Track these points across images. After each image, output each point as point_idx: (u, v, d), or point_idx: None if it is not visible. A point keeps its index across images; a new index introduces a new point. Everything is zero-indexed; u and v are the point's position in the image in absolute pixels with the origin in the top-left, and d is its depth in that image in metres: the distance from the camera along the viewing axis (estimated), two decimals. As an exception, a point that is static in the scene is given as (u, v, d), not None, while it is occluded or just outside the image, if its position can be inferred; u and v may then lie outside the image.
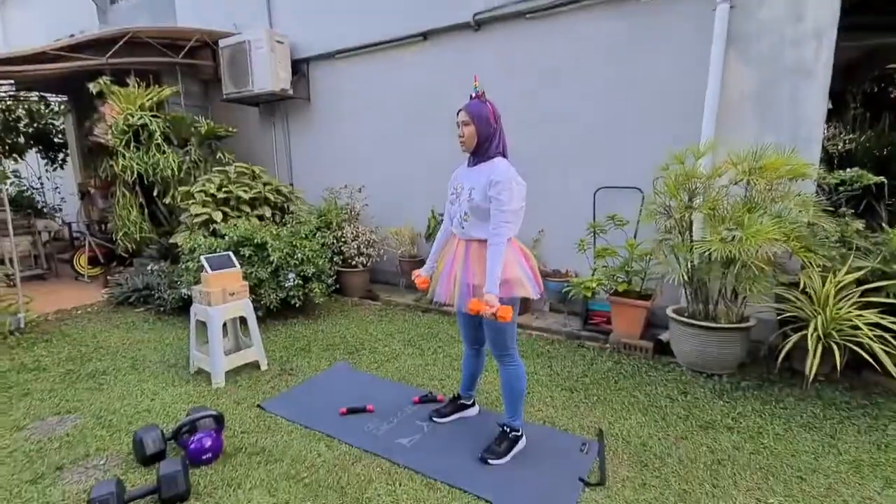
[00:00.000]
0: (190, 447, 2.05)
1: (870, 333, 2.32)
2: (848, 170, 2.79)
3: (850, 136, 4.26)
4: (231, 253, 3.17)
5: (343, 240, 4.85)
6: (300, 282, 4.05)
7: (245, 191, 4.67)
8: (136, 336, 3.79)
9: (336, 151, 5.55)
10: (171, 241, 4.69)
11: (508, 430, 2.16)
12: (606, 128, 3.87)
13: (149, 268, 4.81)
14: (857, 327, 2.41)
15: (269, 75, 5.16)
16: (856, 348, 2.38)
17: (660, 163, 3.15)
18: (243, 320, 3.16)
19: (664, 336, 3.36)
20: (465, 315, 2.21)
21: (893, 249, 2.52)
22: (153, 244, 5.25)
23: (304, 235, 4.27)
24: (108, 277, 5.44)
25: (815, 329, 2.44)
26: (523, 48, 4.16)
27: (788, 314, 2.67)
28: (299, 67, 5.58)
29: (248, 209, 4.67)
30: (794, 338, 2.56)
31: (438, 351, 3.42)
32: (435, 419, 2.45)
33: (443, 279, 2.16)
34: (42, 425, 2.44)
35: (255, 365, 3.12)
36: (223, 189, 4.63)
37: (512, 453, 2.12)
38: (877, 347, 2.33)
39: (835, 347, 2.41)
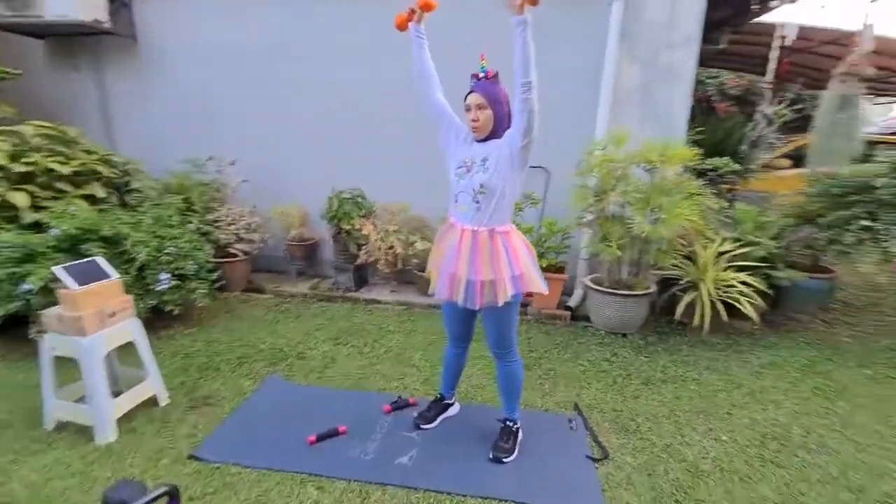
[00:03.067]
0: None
1: (744, 289, 3.01)
2: (717, 158, 3.48)
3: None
4: (99, 258, 2.27)
5: (217, 224, 3.97)
6: (177, 282, 3.19)
7: (61, 162, 3.38)
8: None
9: (184, 113, 4.41)
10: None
11: (511, 423, 2.15)
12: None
13: None
14: (731, 285, 3.09)
15: (71, -3, 3.72)
16: (731, 302, 3.06)
17: (561, 146, 3.41)
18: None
19: (570, 302, 3.77)
20: (459, 310, 2.05)
21: (746, 223, 3.29)
22: None
23: (171, 223, 3.34)
24: None
25: (705, 289, 3.04)
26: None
27: (672, 276, 3.26)
28: (118, -8, 4.17)
29: (69, 188, 3.41)
30: (688, 298, 3.15)
31: (376, 346, 3.15)
32: (423, 426, 2.27)
33: (444, 277, 1.96)
34: None
35: (150, 402, 2.38)
36: (22, 160, 3.26)
37: (517, 446, 2.12)
38: (743, 300, 3.03)
39: (718, 304, 3.05)
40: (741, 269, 3.14)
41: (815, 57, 5.31)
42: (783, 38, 3.95)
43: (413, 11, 1.87)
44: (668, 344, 3.22)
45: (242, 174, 4.23)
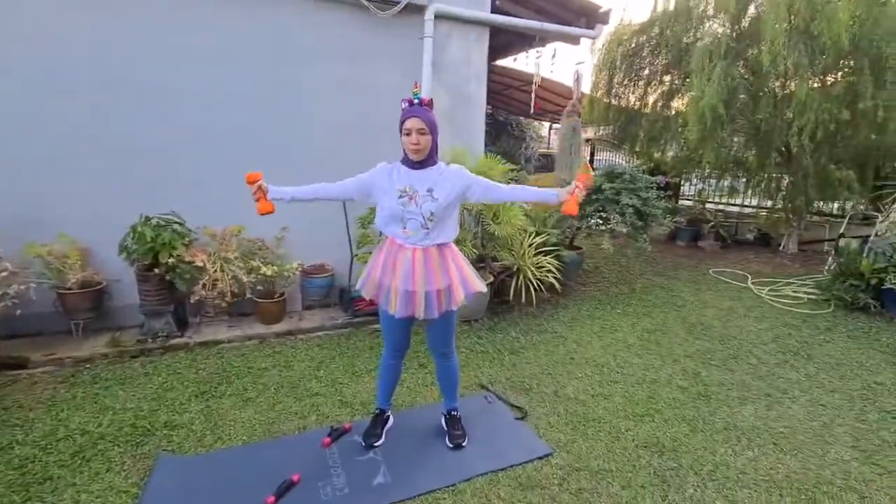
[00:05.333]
0: None
1: (550, 268, 4.05)
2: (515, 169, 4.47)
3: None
4: None
5: (-64, 281, 2.63)
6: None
7: None
8: None
9: None
10: None
11: (456, 412, 2.41)
12: (343, 128, 4.05)
13: None
14: (541, 266, 4.10)
15: None
16: (542, 278, 4.07)
17: (382, 157, 3.78)
18: None
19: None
20: (403, 322, 2.19)
21: (538, 218, 4.40)
22: None
23: None
24: None
25: (529, 272, 3.95)
26: (247, 27, 3.60)
27: (504, 266, 4.10)
28: None
29: None
30: (515, 281, 4.01)
31: (259, 387, 2.81)
32: (375, 444, 2.27)
33: (404, 297, 2.05)
34: None
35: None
36: None
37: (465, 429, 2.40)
38: (551, 277, 4.09)
39: (535, 282, 4.01)
40: (545, 253, 4.20)
41: (551, 99, 7.40)
42: (536, 83, 5.36)
43: (256, 198, 2.08)
44: (508, 321, 4.01)
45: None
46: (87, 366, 3.03)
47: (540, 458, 2.22)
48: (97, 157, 3.34)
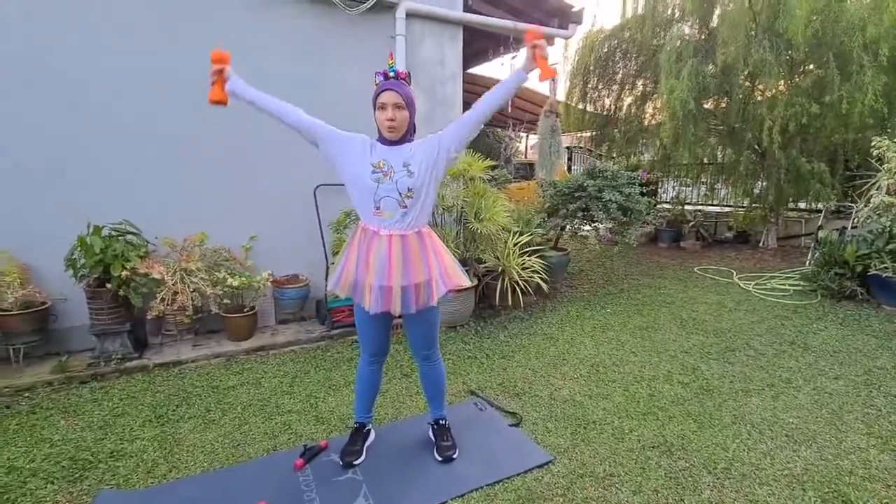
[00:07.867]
0: None
1: (537, 268, 3.88)
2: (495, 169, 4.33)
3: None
4: None
5: None
6: None
7: None
8: None
9: None
10: None
11: (444, 421, 2.17)
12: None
13: None
14: (526, 267, 3.93)
15: None
16: (527, 279, 3.89)
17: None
18: None
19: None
20: (381, 321, 1.99)
21: (521, 219, 4.25)
22: None
23: None
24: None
25: (515, 273, 3.77)
26: (195, 16, 3.39)
27: (489, 268, 3.92)
28: None
29: None
30: (503, 284, 3.82)
31: (224, 408, 2.52)
32: (355, 462, 2.01)
33: (380, 291, 1.84)
34: None
35: None
36: None
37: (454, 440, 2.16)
38: (537, 277, 3.91)
39: (521, 283, 3.83)
40: (530, 254, 4.04)
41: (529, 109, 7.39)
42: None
43: (213, 80, 1.79)
44: (496, 324, 3.81)
45: None
46: (27, 395, 2.69)
47: (539, 466, 2.00)
48: (34, 161, 3.05)
